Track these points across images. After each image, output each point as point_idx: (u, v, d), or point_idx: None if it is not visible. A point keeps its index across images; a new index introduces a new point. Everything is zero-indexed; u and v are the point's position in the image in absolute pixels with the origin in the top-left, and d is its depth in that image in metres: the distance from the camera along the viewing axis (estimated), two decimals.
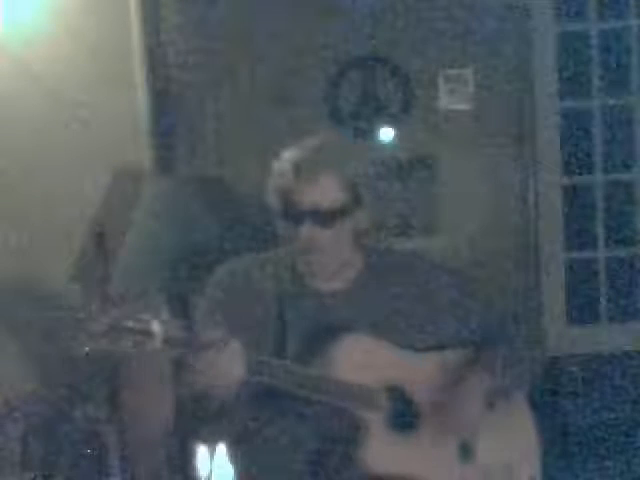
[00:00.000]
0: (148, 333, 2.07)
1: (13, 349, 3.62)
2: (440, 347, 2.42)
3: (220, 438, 2.27)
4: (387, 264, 2.44)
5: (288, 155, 2.33)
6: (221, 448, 2.27)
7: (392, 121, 3.92)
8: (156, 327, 2.07)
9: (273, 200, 2.33)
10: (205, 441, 2.27)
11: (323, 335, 2.30)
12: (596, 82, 4.06)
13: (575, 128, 4.08)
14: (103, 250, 3.58)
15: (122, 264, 3.36)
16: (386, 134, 3.93)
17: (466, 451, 2.39)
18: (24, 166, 3.63)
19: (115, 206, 3.64)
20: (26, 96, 3.63)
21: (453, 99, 3.91)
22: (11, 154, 3.63)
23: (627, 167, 4.11)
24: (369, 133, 3.92)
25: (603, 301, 4.11)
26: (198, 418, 2.28)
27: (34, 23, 3.64)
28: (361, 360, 2.29)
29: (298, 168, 2.28)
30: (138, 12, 3.69)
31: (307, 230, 2.27)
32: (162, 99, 3.78)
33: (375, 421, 2.28)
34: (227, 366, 2.12)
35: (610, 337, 4.04)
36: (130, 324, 2.07)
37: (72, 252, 3.61)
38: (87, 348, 2.05)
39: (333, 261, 2.34)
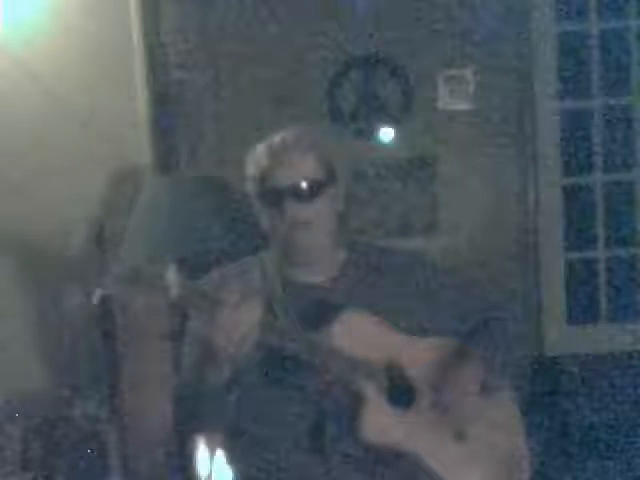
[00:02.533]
0: (165, 281, 2.11)
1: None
2: (436, 335, 2.45)
3: (222, 418, 2.29)
4: (370, 258, 2.48)
5: (260, 146, 2.43)
6: (221, 449, 2.27)
7: (392, 121, 3.93)
8: (172, 276, 2.11)
9: (252, 189, 2.43)
10: (207, 425, 2.28)
11: (315, 320, 2.33)
12: (596, 82, 4.06)
13: (575, 128, 4.08)
14: (103, 250, 3.58)
15: (122, 264, 3.36)
16: (386, 134, 3.93)
17: (459, 435, 2.42)
18: (24, 166, 3.63)
19: (115, 206, 3.64)
20: (26, 96, 3.63)
21: (453, 99, 3.91)
22: (11, 154, 3.63)
23: (627, 167, 4.11)
24: (369, 133, 3.93)
25: (603, 301, 4.11)
26: (208, 391, 2.28)
27: (34, 23, 3.64)
28: (358, 335, 2.33)
29: (271, 150, 2.39)
30: (138, 12, 3.69)
31: (289, 207, 2.34)
32: (162, 99, 3.78)
33: (373, 394, 2.32)
34: (244, 322, 2.16)
35: (610, 337, 4.04)
36: (147, 271, 2.12)
37: (71, 252, 3.62)
38: (99, 294, 2.09)
39: (317, 241, 2.38)
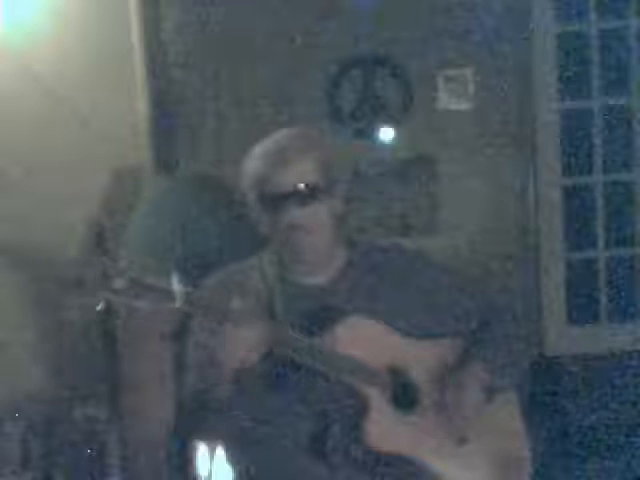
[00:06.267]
0: (168, 292, 2.10)
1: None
2: (437, 336, 2.45)
3: (228, 426, 2.29)
4: (371, 258, 2.47)
5: (257, 149, 2.38)
6: (221, 449, 2.27)
7: (392, 121, 3.93)
8: (177, 287, 2.09)
9: (250, 196, 2.38)
10: (209, 432, 2.28)
11: (318, 322, 2.33)
12: (596, 82, 4.06)
13: (575, 128, 4.08)
14: (103, 250, 3.58)
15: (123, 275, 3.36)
16: (386, 134, 3.93)
17: (461, 438, 2.41)
18: (24, 166, 3.63)
19: (115, 206, 3.64)
20: (26, 96, 3.63)
21: (453, 99, 3.91)
22: (11, 154, 3.63)
23: (627, 167, 4.11)
24: (369, 133, 3.93)
25: (603, 301, 4.11)
26: (215, 402, 2.28)
27: (34, 23, 3.64)
28: (362, 340, 2.32)
29: (268, 153, 2.34)
30: (138, 12, 3.70)
31: (287, 211, 2.31)
32: (162, 99, 3.78)
33: (377, 398, 2.32)
34: (249, 339, 2.16)
35: (610, 337, 4.04)
36: (151, 281, 2.10)
37: (71, 252, 3.62)
38: (101, 305, 2.08)
39: (316, 244, 2.37)
